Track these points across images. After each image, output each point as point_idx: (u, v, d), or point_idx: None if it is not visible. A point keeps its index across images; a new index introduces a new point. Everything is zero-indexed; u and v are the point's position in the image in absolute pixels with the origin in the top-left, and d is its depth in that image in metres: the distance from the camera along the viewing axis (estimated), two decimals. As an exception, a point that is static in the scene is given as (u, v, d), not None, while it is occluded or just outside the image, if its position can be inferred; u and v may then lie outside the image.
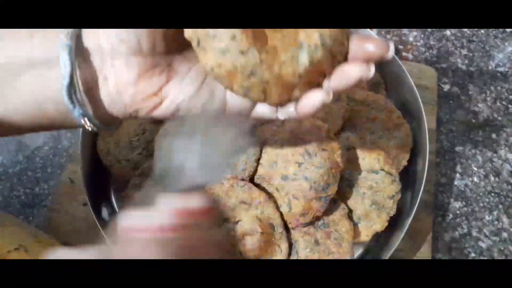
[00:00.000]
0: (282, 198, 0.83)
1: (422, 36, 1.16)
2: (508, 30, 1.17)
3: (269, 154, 0.85)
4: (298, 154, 0.83)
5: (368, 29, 1.01)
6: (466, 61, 1.12)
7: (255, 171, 0.86)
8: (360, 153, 0.87)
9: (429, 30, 1.17)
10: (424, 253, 0.90)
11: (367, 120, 0.94)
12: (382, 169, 0.85)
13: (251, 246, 0.80)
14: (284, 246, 0.82)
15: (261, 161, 0.87)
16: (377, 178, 0.85)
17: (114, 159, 0.90)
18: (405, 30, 1.17)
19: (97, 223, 0.83)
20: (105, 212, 0.90)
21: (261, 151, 0.86)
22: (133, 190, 0.87)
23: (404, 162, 0.91)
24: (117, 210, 0.91)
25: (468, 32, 1.17)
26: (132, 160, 0.90)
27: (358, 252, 0.90)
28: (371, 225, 0.85)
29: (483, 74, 1.11)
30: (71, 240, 0.90)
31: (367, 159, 0.86)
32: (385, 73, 1.01)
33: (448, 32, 1.17)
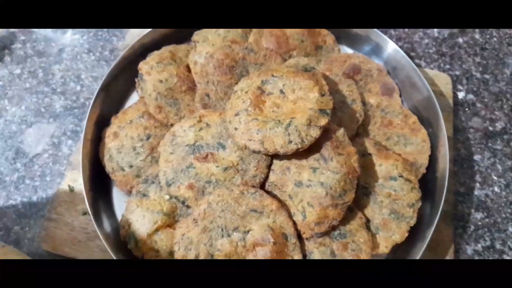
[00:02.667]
0: (296, 206, 0.78)
1: (434, 43, 1.13)
2: (521, 37, 1.14)
3: (281, 159, 0.80)
4: (313, 158, 0.78)
5: (376, 30, 0.99)
6: (480, 69, 1.09)
7: (266, 177, 0.82)
8: (376, 159, 0.83)
9: (441, 37, 1.14)
10: (445, 267, 0.85)
11: (382, 125, 0.90)
12: (401, 176, 0.80)
13: (262, 257, 0.74)
14: (297, 257, 0.76)
15: (272, 167, 0.82)
16: (395, 185, 0.80)
17: (116, 165, 0.86)
18: (416, 38, 1.14)
19: (98, 233, 0.78)
20: (106, 222, 0.84)
21: (272, 157, 0.82)
22: (137, 198, 0.82)
23: (423, 170, 0.86)
24: (118, 220, 0.85)
25: (480, 39, 1.14)
26: (136, 167, 0.85)
27: (376, 266, 0.84)
28: (391, 235, 0.79)
29: (498, 81, 1.07)
30: (69, 252, 0.85)
31: (384, 165, 0.82)
32: (399, 79, 0.98)
33: (460, 39, 1.14)
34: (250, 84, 0.82)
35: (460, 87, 1.07)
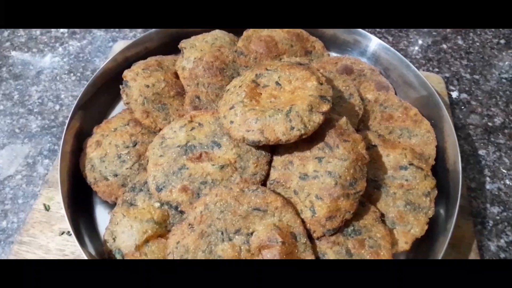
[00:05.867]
0: (303, 202, 0.70)
1: (420, 50, 1.14)
2: (502, 41, 1.17)
3: (282, 153, 0.74)
4: (317, 148, 0.72)
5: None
6: (469, 70, 1.10)
7: (267, 175, 0.74)
8: (383, 150, 0.77)
9: (425, 44, 1.16)
10: (471, 266, 0.76)
11: (382, 119, 0.86)
12: (411, 164, 0.74)
13: (270, 261, 0.65)
14: (310, 259, 0.66)
15: (273, 164, 0.75)
16: (407, 175, 0.74)
17: (99, 175, 0.77)
18: (402, 46, 1.15)
19: (82, 251, 0.66)
20: (88, 242, 0.73)
21: (272, 152, 0.75)
22: (123, 208, 0.72)
23: (431, 161, 0.81)
24: (101, 237, 0.74)
25: (464, 44, 1.16)
26: (121, 175, 0.77)
27: (396, 268, 0.74)
28: (409, 229, 0.71)
29: (489, 81, 1.07)
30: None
31: (392, 156, 0.76)
32: (392, 79, 0.96)
33: (444, 45, 1.16)
34: (243, 79, 0.78)
35: (452, 87, 1.06)
